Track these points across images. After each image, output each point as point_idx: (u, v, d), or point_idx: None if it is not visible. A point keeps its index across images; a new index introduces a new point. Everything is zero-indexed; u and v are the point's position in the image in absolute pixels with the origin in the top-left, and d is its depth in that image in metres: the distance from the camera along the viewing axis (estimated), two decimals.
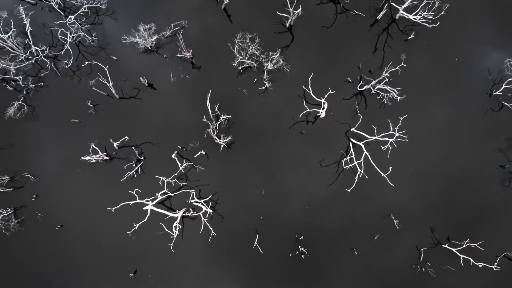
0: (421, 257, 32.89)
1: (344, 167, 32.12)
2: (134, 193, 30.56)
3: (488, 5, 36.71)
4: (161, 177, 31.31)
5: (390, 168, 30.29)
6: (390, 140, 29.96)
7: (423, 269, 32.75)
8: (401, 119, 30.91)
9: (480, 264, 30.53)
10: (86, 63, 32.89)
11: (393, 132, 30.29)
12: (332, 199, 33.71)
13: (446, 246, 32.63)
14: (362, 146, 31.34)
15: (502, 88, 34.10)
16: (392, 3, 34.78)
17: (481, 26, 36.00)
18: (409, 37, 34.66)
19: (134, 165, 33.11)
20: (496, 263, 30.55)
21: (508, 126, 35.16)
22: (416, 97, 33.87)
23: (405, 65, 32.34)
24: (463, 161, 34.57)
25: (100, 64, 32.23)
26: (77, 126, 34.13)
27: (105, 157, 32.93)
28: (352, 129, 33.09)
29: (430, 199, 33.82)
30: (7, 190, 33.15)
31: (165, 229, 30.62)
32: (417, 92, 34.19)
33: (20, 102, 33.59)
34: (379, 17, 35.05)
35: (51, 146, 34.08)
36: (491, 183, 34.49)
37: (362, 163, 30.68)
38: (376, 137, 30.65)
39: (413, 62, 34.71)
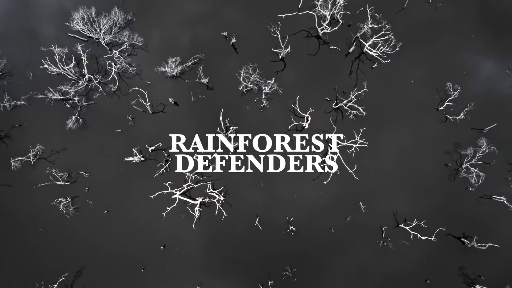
0: (383, 234, 42.97)
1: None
2: (167, 184, 40.88)
3: (433, 38, 46.92)
4: (187, 173, 41.63)
5: (355, 166, 40.55)
6: (354, 145, 40.28)
7: (385, 243, 42.78)
8: (361, 130, 41.36)
9: (424, 237, 40.74)
10: (132, 89, 43.19)
11: (357, 139, 40.64)
12: (315, 189, 43.65)
13: (402, 225, 42.79)
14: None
15: (445, 105, 44.39)
16: (360, 40, 45.14)
17: (429, 57, 46.31)
18: (374, 66, 45.06)
19: (163, 164, 43.39)
20: (433, 236, 40.80)
21: (452, 133, 45.08)
22: (378, 112, 44.21)
23: (366, 90, 42.71)
24: (417, 160, 44.47)
25: (141, 90, 42.69)
26: (120, 134, 44.42)
27: (141, 158, 43.21)
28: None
29: (390, 189, 43.63)
30: (66, 183, 43.40)
31: (190, 211, 40.85)
32: (379, 109, 44.49)
33: (76, 116, 43.98)
34: (351, 50, 45.35)
35: (100, 150, 44.00)
36: (439, 177, 44.39)
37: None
38: (346, 143, 40.98)
39: (377, 84, 45.08)
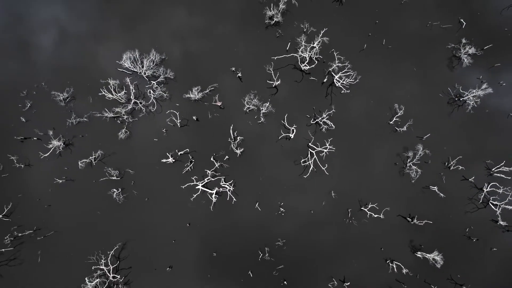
0: (349, 214, 58.81)
1: (302, 164, 58.74)
2: (193, 178, 57.04)
3: (387, 70, 63.59)
4: (207, 170, 57.91)
5: (326, 164, 56.89)
6: (325, 150, 56.74)
7: (350, 221, 58.64)
8: (330, 139, 57.88)
9: (375, 215, 56.71)
10: (168, 111, 59.74)
11: (327, 146, 57.08)
12: (300, 183, 59.62)
13: (363, 208, 58.68)
14: (314, 153, 57.87)
15: (393, 120, 60.70)
16: (332, 73, 61.66)
17: (383, 85, 62.82)
18: (342, 91, 61.59)
19: (189, 163, 59.48)
20: (382, 214, 56.81)
21: (400, 140, 61.17)
22: (346, 125, 60.64)
23: (334, 110, 59.30)
24: (376, 160, 60.62)
25: (174, 111, 59.19)
26: (156, 142, 60.56)
27: (173, 160, 59.28)
28: (309, 144, 59.75)
29: (355, 182, 59.69)
30: (117, 178, 59.33)
31: (209, 197, 56.95)
32: (347, 122, 60.90)
33: (124, 129, 60.16)
34: (325, 80, 61.89)
35: (142, 153, 59.94)
36: (391, 173, 60.52)
37: (312, 162, 57.28)
38: (320, 148, 57.34)
39: (345, 104, 61.54)
